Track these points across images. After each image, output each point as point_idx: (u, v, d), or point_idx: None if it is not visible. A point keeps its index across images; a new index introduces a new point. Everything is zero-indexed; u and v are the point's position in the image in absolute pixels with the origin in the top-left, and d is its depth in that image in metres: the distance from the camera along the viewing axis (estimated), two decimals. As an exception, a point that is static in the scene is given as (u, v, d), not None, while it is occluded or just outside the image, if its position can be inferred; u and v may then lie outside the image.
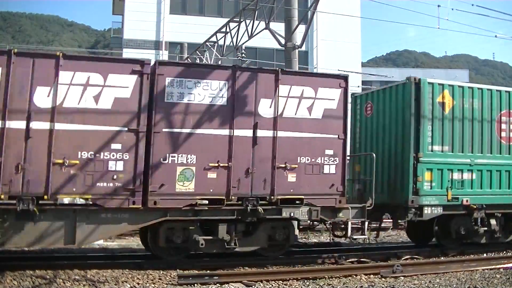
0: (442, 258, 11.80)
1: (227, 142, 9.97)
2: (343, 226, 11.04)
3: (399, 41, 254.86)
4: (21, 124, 8.84)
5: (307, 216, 10.52)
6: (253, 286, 8.83)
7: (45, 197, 8.87)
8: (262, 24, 15.87)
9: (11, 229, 8.79)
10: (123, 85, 9.45)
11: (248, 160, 10.10)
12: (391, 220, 13.32)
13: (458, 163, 11.95)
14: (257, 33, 16.83)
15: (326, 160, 10.58)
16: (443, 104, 11.92)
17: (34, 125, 8.89)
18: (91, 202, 9.14)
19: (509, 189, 12.55)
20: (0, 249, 9.19)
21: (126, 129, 9.39)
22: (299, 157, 10.43)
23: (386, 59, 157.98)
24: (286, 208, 10.34)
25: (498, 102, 12.66)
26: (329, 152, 10.61)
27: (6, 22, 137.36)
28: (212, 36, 20.78)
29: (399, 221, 12.54)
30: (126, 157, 9.32)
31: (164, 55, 36.26)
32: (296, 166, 10.36)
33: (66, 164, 8.98)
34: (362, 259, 11.22)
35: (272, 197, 10.17)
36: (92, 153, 9.14)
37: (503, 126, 12.72)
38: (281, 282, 9.12)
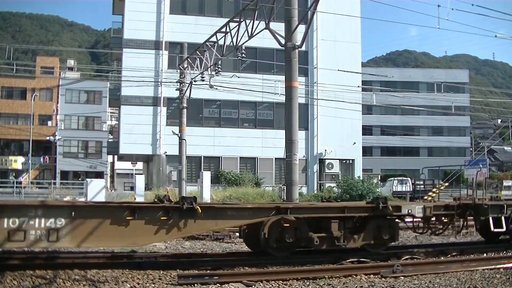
0: (442, 258, 11.81)
1: None
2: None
3: (399, 41, 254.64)
4: None
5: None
6: (253, 286, 8.83)
7: None
8: (262, 24, 15.87)
9: None
10: None
11: None
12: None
13: None
14: (257, 33, 16.84)
15: None
16: None
17: None
18: None
19: None
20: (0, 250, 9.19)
21: None
22: None
23: (386, 59, 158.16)
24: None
25: None
26: None
27: (6, 22, 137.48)
28: (212, 36, 20.79)
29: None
30: None
31: (164, 55, 36.32)
32: None
33: None
34: (362, 259, 11.22)
35: None
36: None
37: None
38: (281, 282, 9.11)
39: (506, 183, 52.36)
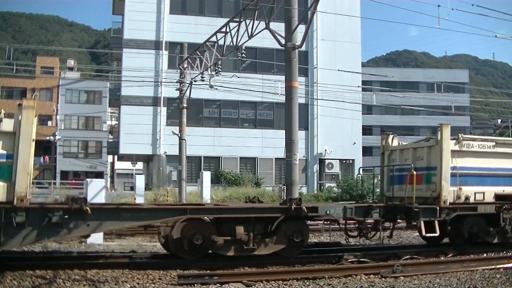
0: (442, 258, 11.80)
1: None
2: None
3: (399, 41, 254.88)
4: None
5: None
6: (253, 286, 8.83)
7: None
8: (262, 24, 15.84)
9: None
10: None
11: None
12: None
13: None
14: (257, 33, 16.81)
15: None
16: None
17: None
18: None
19: None
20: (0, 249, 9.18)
21: None
22: None
23: (386, 59, 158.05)
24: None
25: None
26: None
27: (6, 22, 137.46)
28: (212, 36, 20.75)
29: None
30: None
31: (164, 55, 36.32)
32: None
33: None
34: (362, 259, 11.23)
35: None
36: None
37: None
38: (281, 282, 9.11)
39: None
